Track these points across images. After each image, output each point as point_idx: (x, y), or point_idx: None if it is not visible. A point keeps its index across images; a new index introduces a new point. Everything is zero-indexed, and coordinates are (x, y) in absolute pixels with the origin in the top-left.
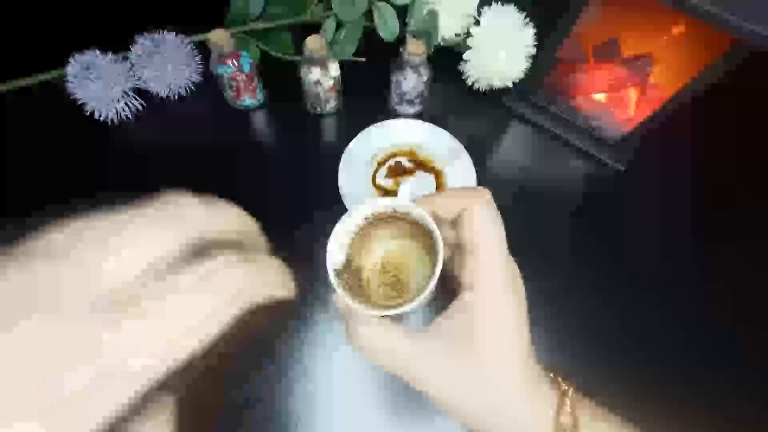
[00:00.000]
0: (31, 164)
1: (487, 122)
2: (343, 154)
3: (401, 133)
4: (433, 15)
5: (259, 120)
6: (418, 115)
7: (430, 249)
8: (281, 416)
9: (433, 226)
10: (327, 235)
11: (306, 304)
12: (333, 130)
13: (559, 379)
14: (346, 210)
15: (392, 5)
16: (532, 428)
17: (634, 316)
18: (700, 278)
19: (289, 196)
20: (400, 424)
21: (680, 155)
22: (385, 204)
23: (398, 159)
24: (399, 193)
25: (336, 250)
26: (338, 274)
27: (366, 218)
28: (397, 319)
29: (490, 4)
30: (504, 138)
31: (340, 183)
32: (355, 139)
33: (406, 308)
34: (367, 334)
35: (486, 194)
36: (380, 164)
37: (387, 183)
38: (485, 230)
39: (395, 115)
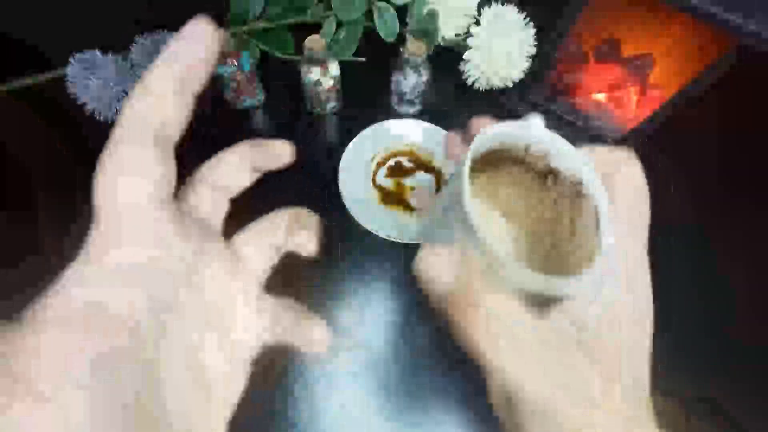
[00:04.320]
0: (32, 164)
1: None
2: (343, 154)
3: (401, 133)
4: (433, 15)
5: (259, 120)
6: (418, 115)
7: (551, 207)
8: (280, 419)
9: (598, 183)
10: (327, 235)
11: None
12: (333, 130)
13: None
14: (346, 210)
15: (392, 5)
16: None
17: None
18: (701, 280)
19: (289, 196)
20: (400, 427)
21: (680, 155)
22: (524, 133)
23: (398, 159)
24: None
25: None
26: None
27: (488, 149)
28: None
29: (490, 4)
30: None
31: (340, 183)
32: (355, 139)
33: (584, 284)
34: (496, 299)
35: (637, 159)
36: (380, 164)
37: (387, 183)
38: (641, 203)
39: (395, 115)
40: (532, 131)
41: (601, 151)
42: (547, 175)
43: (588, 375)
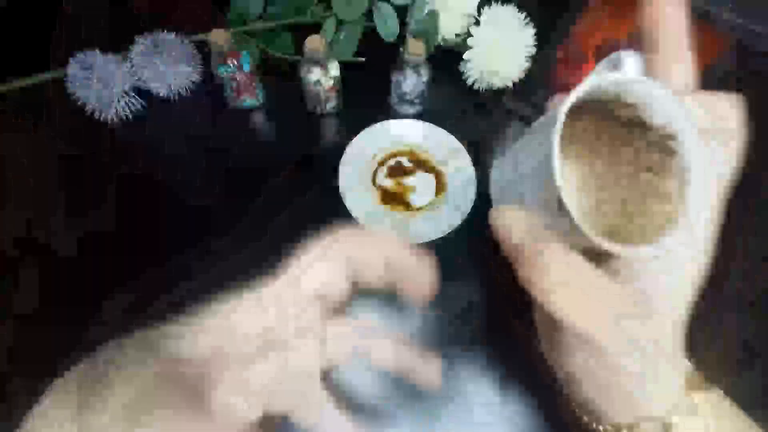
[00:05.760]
0: (32, 164)
1: (487, 122)
2: (343, 154)
3: (401, 133)
4: (433, 15)
5: (259, 120)
6: (418, 115)
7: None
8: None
9: (693, 142)
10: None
11: None
12: (333, 130)
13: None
14: (346, 210)
15: (392, 5)
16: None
17: None
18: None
19: (289, 196)
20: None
21: None
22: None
23: (398, 159)
24: (624, 67)
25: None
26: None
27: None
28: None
29: (490, 4)
30: (504, 138)
31: (340, 183)
32: (355, 139)
33: (656, 250)
34: (568, 268)
35: (742, 110)
36: (380, 164)
37: (387, 183)
38: (730, 160)
39: (395, 115)
40: (620, 78)
41: (706, 100)
42: (635, 126)
43: (631, 315)
